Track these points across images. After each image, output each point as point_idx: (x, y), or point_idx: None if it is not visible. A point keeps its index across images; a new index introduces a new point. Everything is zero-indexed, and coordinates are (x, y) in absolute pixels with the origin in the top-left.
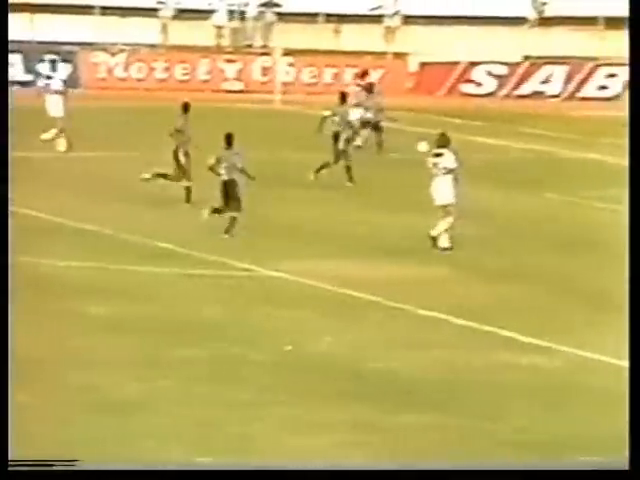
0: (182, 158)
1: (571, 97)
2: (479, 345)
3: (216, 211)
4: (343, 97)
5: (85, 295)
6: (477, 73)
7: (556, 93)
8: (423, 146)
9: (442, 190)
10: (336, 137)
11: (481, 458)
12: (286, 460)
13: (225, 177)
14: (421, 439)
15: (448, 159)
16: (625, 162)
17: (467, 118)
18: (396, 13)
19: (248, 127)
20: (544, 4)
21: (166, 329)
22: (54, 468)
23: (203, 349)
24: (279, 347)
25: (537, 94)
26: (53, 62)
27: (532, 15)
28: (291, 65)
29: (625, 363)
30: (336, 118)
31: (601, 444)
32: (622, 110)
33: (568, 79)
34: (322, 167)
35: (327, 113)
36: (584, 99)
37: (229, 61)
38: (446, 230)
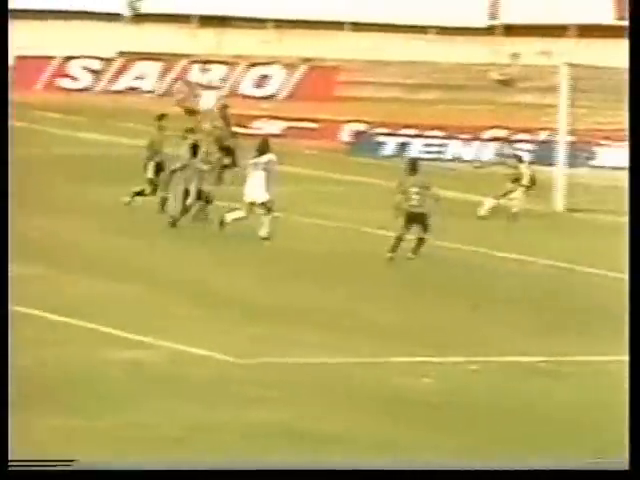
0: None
1: (166, 93)
2: (81, 341)
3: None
4: None
5: None
6: (73, 68)
7: (151, 89)
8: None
9: (256, 187)
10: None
11: (90, 456)
12: None
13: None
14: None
15: (268, 157)
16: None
17: (67, 113)
18: None
19: None
20: (138, 0)
21: None
22: (54, 468)
23: None
24: None
25: (132, 90)
26: None
27: (126, 11)
28: None
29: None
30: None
31: (220, 437)
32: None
33: (162, 75)
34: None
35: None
36: None
37: None
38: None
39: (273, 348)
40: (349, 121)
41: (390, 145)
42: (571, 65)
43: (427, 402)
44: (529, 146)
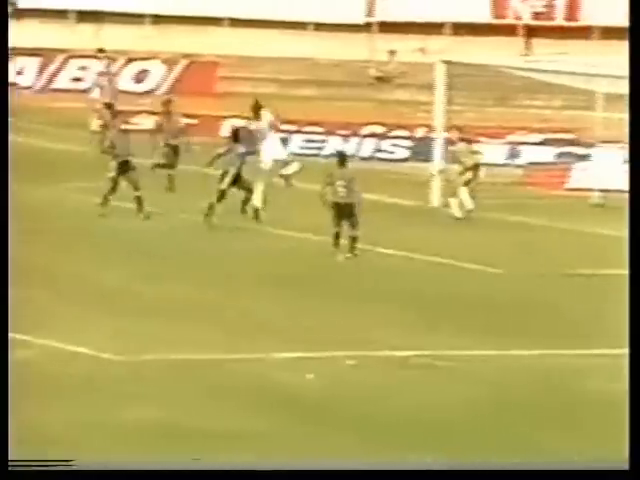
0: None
1: (44, 89)
2: None
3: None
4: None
5: None
6: None
7: (30, 84)
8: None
9: (273, 147)
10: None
11: None
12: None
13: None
14: None
15: (265, 117)
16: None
17: None
18: None
19: None
20: None
21: None
22: (54, 468)
23: None
24: None
25: (11, 85)
26: None
27: (7, 7)
28: None
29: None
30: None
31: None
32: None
33: (41, 70)
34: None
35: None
36: (58, 90)
37: None
38: None
39: (154, 345)
40: (229, 117)
41: None
42: (447, 62)
43: (310, 397)
44: (406, 142)
